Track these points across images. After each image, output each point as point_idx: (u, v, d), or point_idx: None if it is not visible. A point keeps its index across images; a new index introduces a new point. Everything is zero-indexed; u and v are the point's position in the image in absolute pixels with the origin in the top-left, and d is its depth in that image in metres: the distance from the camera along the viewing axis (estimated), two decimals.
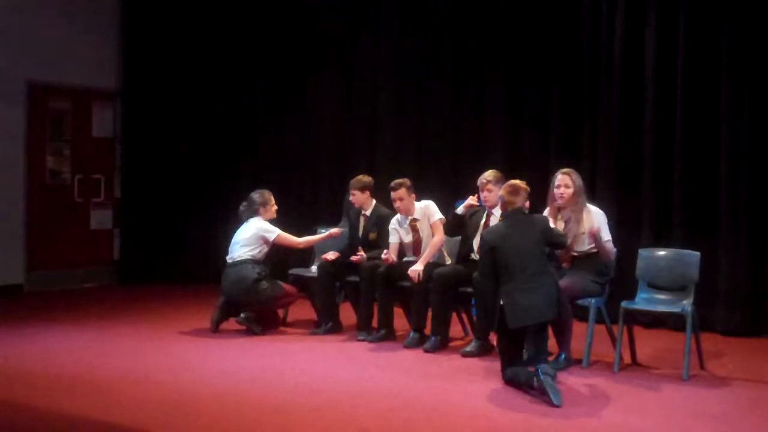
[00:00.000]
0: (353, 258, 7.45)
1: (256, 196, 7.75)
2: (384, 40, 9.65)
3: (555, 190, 6.56)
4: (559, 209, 6.55)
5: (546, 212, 6.61)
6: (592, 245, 6.45)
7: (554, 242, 6.10)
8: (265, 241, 7.63)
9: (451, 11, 9.22)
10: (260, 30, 10.42)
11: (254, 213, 7.71)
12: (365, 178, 7.71)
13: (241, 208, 7.80)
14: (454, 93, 9.23)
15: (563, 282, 6.20)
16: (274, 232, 7.64)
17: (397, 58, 9.57)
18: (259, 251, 7.62)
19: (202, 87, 10.66)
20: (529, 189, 6.09)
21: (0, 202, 9.75)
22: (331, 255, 7.59)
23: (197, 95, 10.68)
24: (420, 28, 9.41)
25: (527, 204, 6.09)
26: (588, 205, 6.57)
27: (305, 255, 8.40)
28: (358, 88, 9.85)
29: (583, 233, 6.44)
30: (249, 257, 7.56)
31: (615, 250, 6.57)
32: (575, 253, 6.46)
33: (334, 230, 7.84)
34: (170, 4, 10.80)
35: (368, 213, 7.72)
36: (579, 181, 6.56)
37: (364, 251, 7.46)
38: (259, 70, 10.44)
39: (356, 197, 7.67)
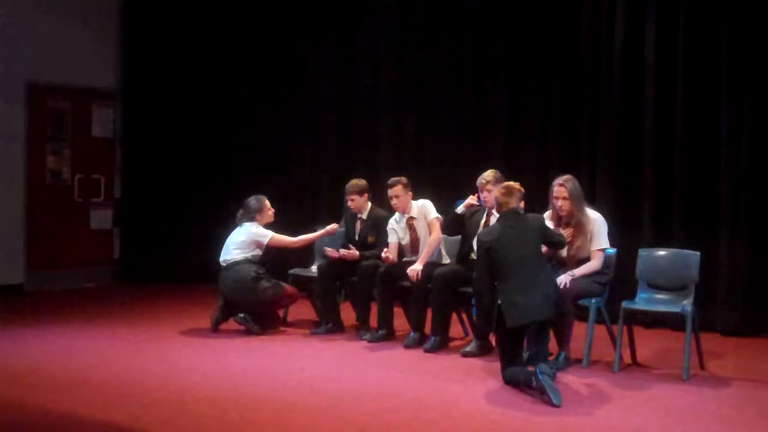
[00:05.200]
0: (342, 253, 7.45)
1: (252, 202, 7.75)
2: (384, 40, 9.65)
3: (554, 202, 6.53)
4: (560, 217, 6.54)
5: (548, 214, 6.60)
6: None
7: (551, 241, 6.10)
8: (259, 245, 7.64)
9: (452, 11, 9.22)
10: (260, 30, 10.41)
11: (251, 219, 7.71)
12: (360, 182, 7.71)
13: (238, 215, 7.80)
14: (455, 93, 9.22)
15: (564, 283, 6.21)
16: (267, 236, 7.65)
17: (397, 57, 9.57)
18: (253, 254, 7.63)
19: (202, 87, 10.65)
20: (523, 190, 6.10)
21: (0, 202, 9.75)
22: (334, 252, 7.56)
23: (197, 95, 10.67)
24: (420, 27, 9.41)
25: (522, 205, 6.09)
26: (588, 210, 6.55)
27: (305, 255, 8.40)
28: (357, 86, 9.85)
29: (587, 239, 6.43)
30: (243, 258, 7.56)
31: (607, 255, 6.52)
32: (579, 261, 6.45)
33: (329, 227, 7.84)
34: (170, 4, 10.80)
35: (364, 216, 7.71)
36: (576, 188, 6.51)
37: (366, 253, 7.50)
38: (259, 69, 10.44)
39: (354, 202, 7.67)
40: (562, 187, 6.49)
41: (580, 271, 6.35)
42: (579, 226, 6.44)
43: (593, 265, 6.41)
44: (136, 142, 10.86)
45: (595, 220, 6.50)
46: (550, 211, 6.60)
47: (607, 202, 7.77)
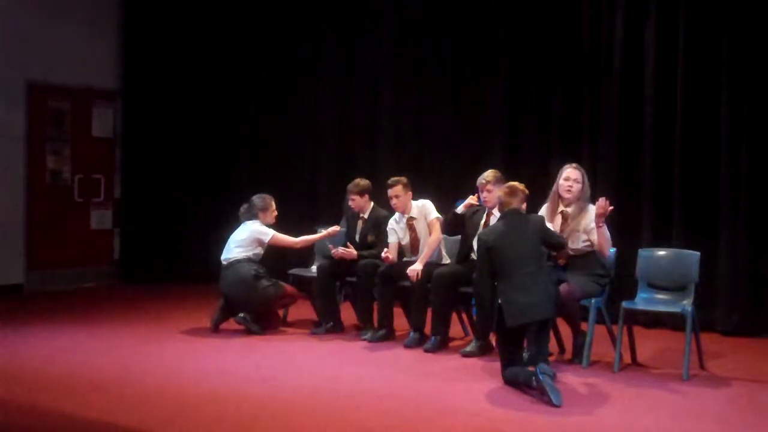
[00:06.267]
0: (340, 251, 7.46)
1: (257, 200, 7.76)
2: (384, 40, 9.65)
3: (563, 183, 6.51)
4: (559, 204, 6.53)
5: (544, 208, 6.60)
6: (587, 243, 6.43)
7: (551, 242, 6.10)
8: (260, 243, 7.65)
9: (452, 11, 9.22)
10: (260, 30, 10.41)
11: (254, 216, 7.73)
12: (363, 182, 7.71)
13: (242, 210, 7.81)
14: (454, 93, 9.22)
15: (564, 285, 6.20)
16: (269, 234, 7.66)
17: (397, 58, 9.57)
18: (254, 252, 7.64)
19: (202, 86, 10.65)
20: (527, 192, 6.10)
21: (0, 202, 9.75)
22: (340, 249, 7.55)
23: (197, 95, 10.67)
24: (420, 27, 9.41)
25: (524, 206, 6.09)
26: (590, 205, 6.56)
27: (305, 255, 8.40)
28: (358, 88, 9.85)
29: (579, 231, 6.42)
30: (244, 257, 7.57)
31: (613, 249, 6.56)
32: (571, 252, 6.44)
33: (331, 229, 7.84)
34: (170, 4, 10.80)
35: (366, 216, 7.72)
36: (586, 177, 6.56)
37: (363, 253, 7.50)
38: (259, 69, 10.44)
39: (356, 202, 7.68)
40: (576, 170, 6.52)
41: (605, 232, 6.32)
42: (577, 214, 6.44)
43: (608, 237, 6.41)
44: (136, 142, 10.85)
45: (593, 211, 6.42)
46: (549, 203, 6.59)
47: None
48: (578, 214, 6.45)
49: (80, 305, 9.13)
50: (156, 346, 7.07)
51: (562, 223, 6.46)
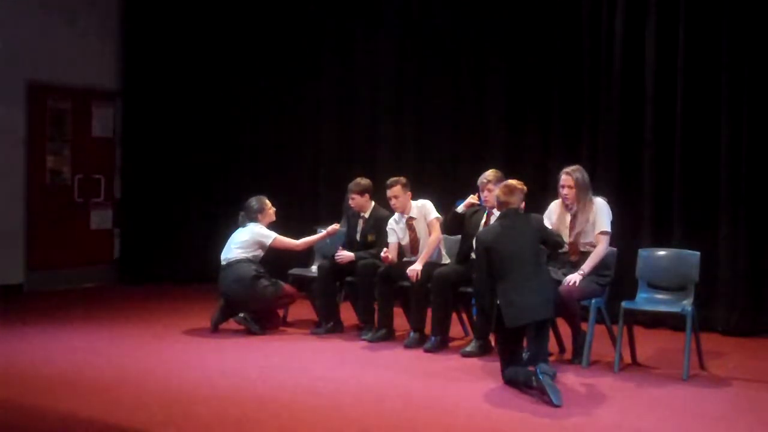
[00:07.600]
0: (337, 258, 7.47)
1: (253, 202, 7.78)
2: (384, 40, 9.65)
3: (560, 191, 6.60)
4: (566, 204, 6.59)
5: (553, 205, 6.64)
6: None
7: (549, 241, 6.10)
8: (261, 245, 7.65)
9: (452, 10, 9.22)
10: (260, 30, 10.42)
11: (253, 220, 7.73)
12: (363, 181, 7.71)
13: (240, 217, 7.81)
14: (455, 93, 9.23)
15: (564, 285, 6.21)
16: (270, 237, 7.66)
17: (397, 58, 9.57)
18: (254, 254, 7.64)
19: (202, 87, 10.65)
20: (525, 189, 6.10)
21: (0, 202, 9.75)
22: (337, 255, 7.56)
23: (197, 95, 10.67)
24: (420, 27, 9.41)
25: (523, 204, 6.09)
26: (594, 198, 6.60)
27: (305, 255, 8.40)
28: (358, 87, 9.85)
29: (588, 223, 6.47)
30: (244, 257, 7.57)
31: (611, 249, 6.55)
32: (582, 248, 6.47)
33: (331, 227, 7.84)
34: (170, 4, 10.80)
35: (367, 215, 7.72)
36: (583, 177, 6.59)
37: (362, 253, 7.50)
38: (259, 70, 10.44)
39: (356, 201, 7.67)
40: (568, 176, 6.59)
41: (588, 264, 6.35)
42: (584, 211, 6.50)
43: (598, 251, 6.43)
44: (136, 142, 10.85)
45: (597, 206, 6.53)
46: (559, 200, 6.63)
47: (607, 202, 7.77)
48: (583, 209, 6.52)
49: (80, 305, 9.13)
50: (156, 346, 7.08)
51: (571, 220, 6.53)
